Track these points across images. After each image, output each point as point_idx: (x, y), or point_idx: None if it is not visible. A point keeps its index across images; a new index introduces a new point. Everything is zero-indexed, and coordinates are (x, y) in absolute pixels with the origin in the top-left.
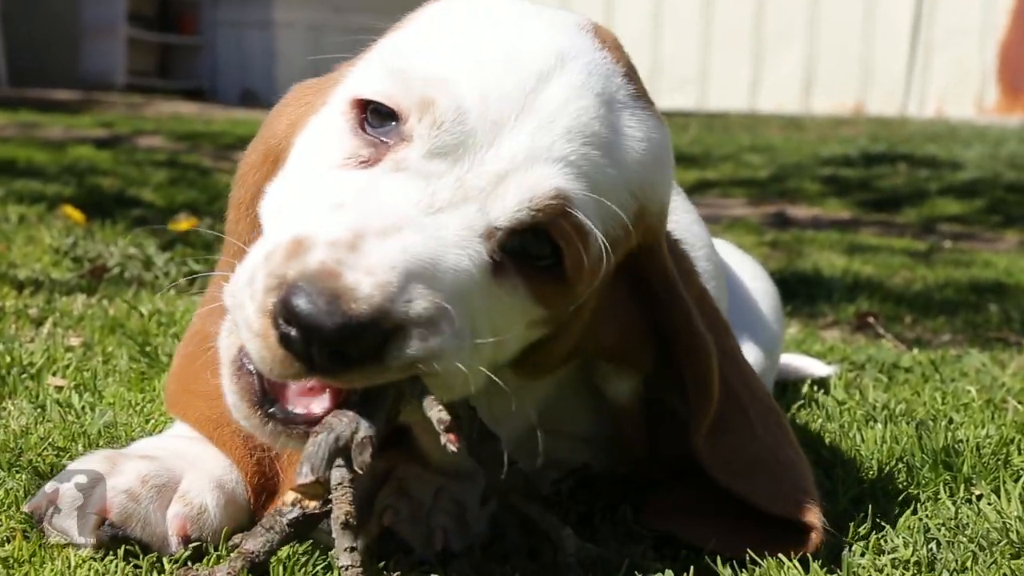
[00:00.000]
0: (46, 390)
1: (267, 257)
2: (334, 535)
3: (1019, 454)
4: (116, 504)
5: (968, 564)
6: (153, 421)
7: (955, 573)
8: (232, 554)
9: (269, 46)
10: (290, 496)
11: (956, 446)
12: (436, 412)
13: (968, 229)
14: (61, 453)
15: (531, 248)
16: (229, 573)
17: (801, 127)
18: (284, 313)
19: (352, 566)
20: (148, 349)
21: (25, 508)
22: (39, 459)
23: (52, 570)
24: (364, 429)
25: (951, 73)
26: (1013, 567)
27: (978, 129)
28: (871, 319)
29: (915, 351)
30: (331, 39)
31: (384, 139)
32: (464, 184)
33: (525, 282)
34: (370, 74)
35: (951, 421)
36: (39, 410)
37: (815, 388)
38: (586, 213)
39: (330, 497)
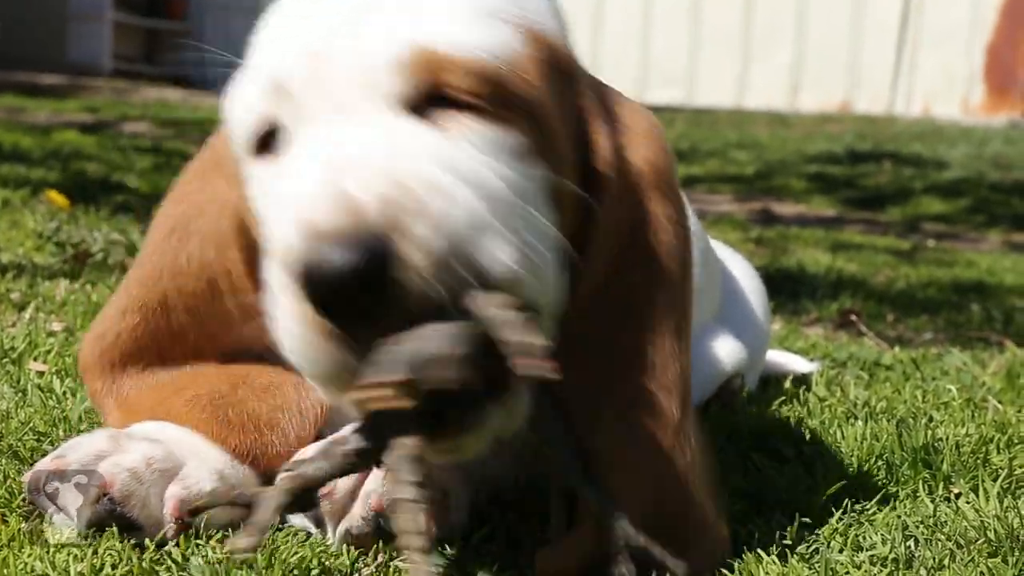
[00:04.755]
0: (27, 375)
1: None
2: (393, 468)
3: (998, 453)
4: (119, 481)
5: (946, 562)
6: None
7: (933, 571)
8: (282, 475)
9: (256, 32)
10: (348, 428)
11: (936, 444)
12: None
13: (952, 229)
14: (42, 438)
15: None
16: (276, 496)
17: (788, 124)
18: (310, 287)
19: (415, 500)
20: None
21: (24, 477)
22: (19, 444)
23: (31, 554)
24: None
25: (938, 72)
26: (990, 565)
27: (964, 129)
28: (854, 317)
29: (897, 349)
30: None
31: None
32: (340, 103)
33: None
34: (239, 110)
35: (931, 419)
36: (20, 395)
37: (796, 384)
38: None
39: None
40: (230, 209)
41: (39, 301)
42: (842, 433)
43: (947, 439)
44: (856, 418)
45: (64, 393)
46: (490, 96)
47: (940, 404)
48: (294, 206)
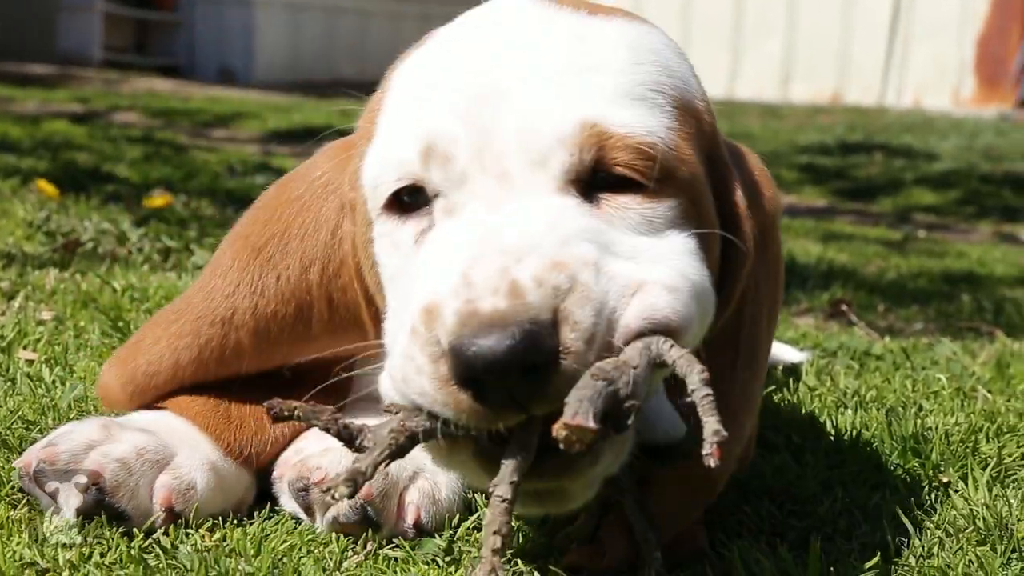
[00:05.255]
0: (17, 363)
1: (411, 336)
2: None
3: (987, 442)
4: (109, 471)
5: (935, 550)
6: None
7: (922, 559)
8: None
9: (248, 23)
10: (562, 431)
11: (925, 433)
12: (714, 422)
13: (942, 219)
14: (31, 427)
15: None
16: (384, 441)
17: (779, 115)
18: (463, 370)
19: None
20: (120, 324)
21: (16, 463)
22: (8, 432)
23: (20, 542)
24: (637, 398)
25: (929, 64)
26: (979, 553)
27: (954, 120)
28: (844, 307)
29: (887, 339)
30: (310, 16)
31: (417, 209)
32: (503, 173)
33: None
34: (380, 165)
35: (921, 409)
36: (9, 383)
37: (787, 374)
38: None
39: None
40: (350, 241)
41: (28, 290)
42: (832, 422)
43: (936, 428)
44: (846, 407)
45: (53, 382)
46: (649, 173)
47: (930, 393)
48: (453, 281)
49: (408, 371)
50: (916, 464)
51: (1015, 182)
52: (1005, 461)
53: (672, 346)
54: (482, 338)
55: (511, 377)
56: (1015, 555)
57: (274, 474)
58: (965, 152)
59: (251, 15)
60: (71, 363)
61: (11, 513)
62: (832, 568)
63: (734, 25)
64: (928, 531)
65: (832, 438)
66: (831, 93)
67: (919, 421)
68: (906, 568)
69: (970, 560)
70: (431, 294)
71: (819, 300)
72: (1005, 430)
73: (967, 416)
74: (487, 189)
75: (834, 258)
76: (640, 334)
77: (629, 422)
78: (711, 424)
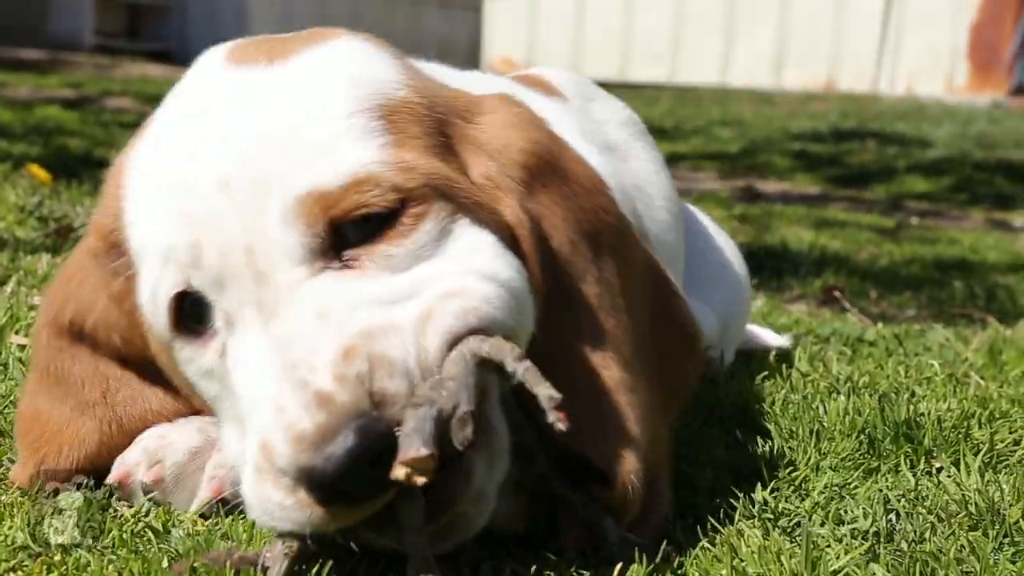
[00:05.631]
0: (9, 348)
1: (258, 475)
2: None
3: (979, 428)
4: (226, 484)
5: (927, 535)
6: None
7: (914, 544)
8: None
9: (240, 8)
10: (400, 471)
11: (918, 419)
12: (544, 388)
13: (935, 206)
14: None
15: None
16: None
17: (772, 102)
18: (318, 487)
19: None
20: None
21: (110, 479)
22: (1, 417)
23: (12, 526)
24: (465, 404)
25: (922, 51)
26: (971, 538)
27: (948, 107)
28: (837, 293)
29: (879, 325)
30: (302, 1)
31: (206, 319)
32: (256, 273)
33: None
34: (148, 286)
35: (913, 394)
36: (1, 368)
37: (779, 360)
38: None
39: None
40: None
41: (21, 275)
42: (824, 408)
43: (929, 414)
44: (839, 393)
45: None
46: (385, 199)
47: (922, 379)
48: (269, 413)
49: (271, 510)
50: (908, 449)
51: (1008, 169)
52: (997, 447)
53: (483, 340)
54: (319, 453)
55: (364, 473)
56: (1007, 540)
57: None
58: (958, 139)
59: (243, 0)
60: None
61: (4, 497)
62: (825, 553)
63: (727, 12)
64: (920, 516)
65: (825, 424)
66: (824, 80)
67: (912, 407)
68: (898, 553)
69: (962, 545)
70: (259, 431)
71: (812, 287)
72: (997, 416)
73: (959, 402)
74: (248, 292)
75: (827, 245)
76: (448, 349)
77: (468, 431)
78: (542, 391)
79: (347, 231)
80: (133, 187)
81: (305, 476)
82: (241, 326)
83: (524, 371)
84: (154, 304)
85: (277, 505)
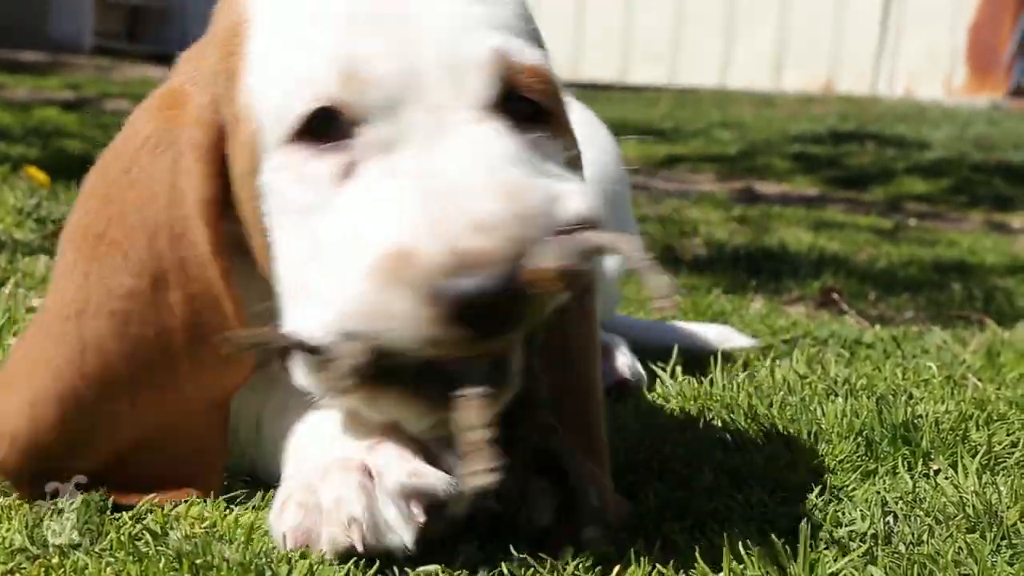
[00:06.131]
0: (7, 350)
1: (374, 282)
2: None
3: (977, 430)
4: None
5: (924, 537)
6: None
7: (911, 546)
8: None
9: None
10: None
11: (915, 421)
12: (659, 277)
13: (934, 208)
14: None
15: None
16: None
17: (771, 104)
18: (457, 308)
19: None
20: None
21: (279, 533)
22: None
23: (10, 528)
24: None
25: (921, 53)
26: (969, 541)
27: (947, 109)
28: (835, 295)
29: (877, 327)
30: None
31: (335, 142)
32: (434, 104)
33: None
34: (284, 88)
35: (911, 396)
36: None
37: (776, 361)
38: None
39: None
40: (193, 191)
41: (19, 277)
42: (822, 410)
43: (927, 416)
44: (836, 395)
45: None
46: (549, 100)
47: (920, 381)
48: (420, 225)
49: (384, 318)
50: (906, 451)
51: (1007, 171)
52: (995, 449)
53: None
54: (473, 277)
55: (501, 307)
56: (1004, 542)
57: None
58: (957, 141)
59: None
60: None
61: (1, 499)
62: (822, 555)
63: (727, 14)
64: (918, 518)
65: (823, 426)
66: (823, 82)
67: (909, 409)
68: (896, 555)
69: (960, 547)
70: (397, 238)
71: (810, 288)
72: (995, 418)
73: (957, 404)
74: (421, 122)
75: (825, 246)
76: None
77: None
78: (656, 280)
79: (512, 108)
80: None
81: (453, 292)
82: (394, 150)
83: (643, 260)
84: (284, 102)
85: (395, 315)
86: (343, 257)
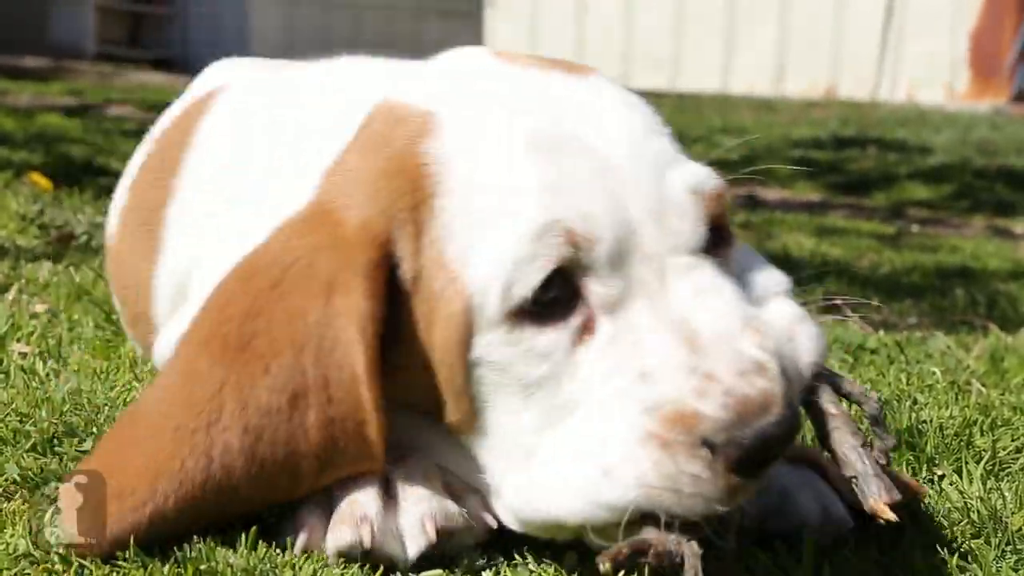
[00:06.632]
0: (10, 356)
1: (661, 448)
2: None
3: (981, 435)
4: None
5: (929, 542)
6: (118, 388)
7: (916, 551)
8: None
9: (241, 16)
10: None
11: (920, 426)
12: (891, 438)
13: (936, 214)
14: (24, 419)
15: None
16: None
17: (773, 109)
18: (749, 456)
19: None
20: (114, 317)
21: (334, 546)
22: (2, 425)
23: (14, 534)
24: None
25: (922, 58)
26: (973, 546)
27: (948, 114)
28: (838, 301)
29: (881, 333)
30: (305, 10)
31: (563, 307)
32: (652, 253)
33: None
34: (506, 261)
35: (915, 402)
36: (3, 376)
37: None
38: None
39: None
40: (355, 308)
41: (22, 283)
42: None
43: (931, 421)
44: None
45: (47, 375)
46: (726, 215)
47: (924, 387)
48: (690, 380)
49: (682, 485)
50: (911, 457)
51: (1009, 176)
52: (999, 454)
53: (843, 379)
54: (762, 420)
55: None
56: (1009, 548)
57: None
58: (959, 146)
59: (245, 9)
60: (65, 356)
61: (6, 505)
62: (827, 562)
63: (727, 19)
64: (922, 524)
65: None
66: (825, 87)
67: (913, 414)
68: (901, 560)
69: (964, 552)
70: (672, 396)
71: (813, 294)
72: (999, 423)
73: (961, 409)
74: (646, 274)
75: (828, 252)
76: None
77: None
78: (888, 440)
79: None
80: (472, 153)
81: (747, 442)
82: (625, 306)
83: (882, 419)
84: (502, 284)
85: (691, 479)
86: (608, 425)
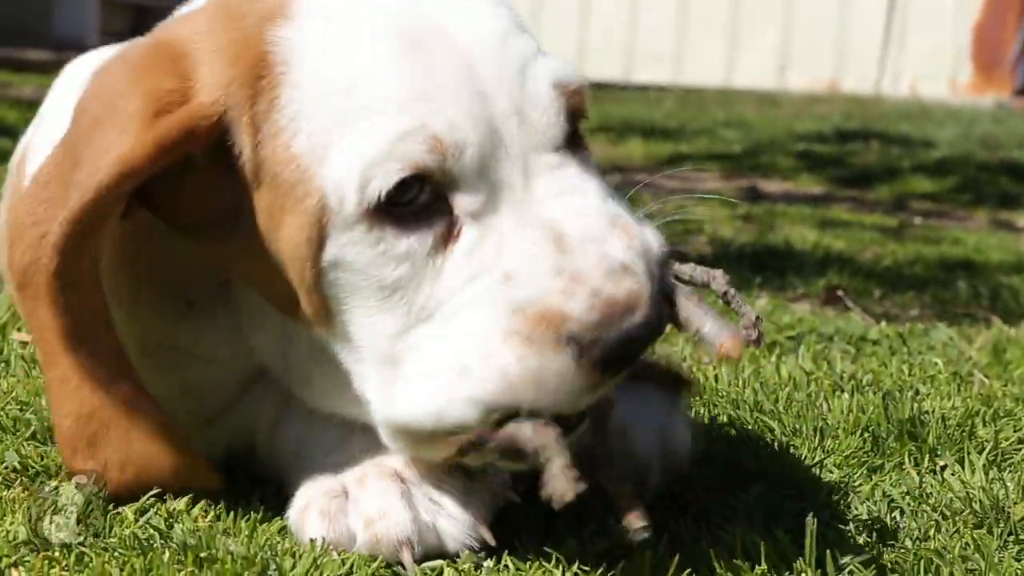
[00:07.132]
0: (11, 345)
1: (526, 345)
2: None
3: (984, 426)
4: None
5: (931, 533)
6: None
7: (918, 541)
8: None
9: None
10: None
11: (922, 417)
12: (750, 309)
13: (939, 207)
14: (24, 407)
15: None
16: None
17: (776, 104)
18: (615, 354)
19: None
20: None
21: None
22: (3, 413)
23: (14, 521)
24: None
25: (926, 52)
26: (975, 536)
27: (951, 108)
28: (840, 293)
29: (883, 324)
30: None
31: (427, 212)
32: (517, 155)
33: None
34: (365, 160)
35: (917, 393)
36: (3, 365)
37: (781, 358)
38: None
39: None
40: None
41: None
42: (828, 406)
43: (933, 412)
44: (842, 391)
45: None
46: (583, 117)
47: (926, 378)
48: (557, 280)
49: (546, 381)
50: (913, 447)
51: (1012, 170)
52: (1002, 445)
53: (691, 265)
54: (628, 321)
55: (645, 344)
56: (1011, 538)
57: None
58: (962, 140)
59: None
60: None
61: (5, 492)
62: (829, 551)
63: (731, 13)
64: (925, 514)
65: (829, 422)
66: (828, 82)
67: (916, 405)
68: (902, 550)
69: (966, 543)
70: (538, 298)
71: (815, 286)
72: (1002, 414)
73: (964, 400)
74: (510, 175)
75: (830, 245)
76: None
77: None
78: (748, 311)
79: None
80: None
81: (612, 341)
82: (492, 210)
83: (732, 295)
84: (358, 183)
85: (556, 375)
86: (469, 326)
